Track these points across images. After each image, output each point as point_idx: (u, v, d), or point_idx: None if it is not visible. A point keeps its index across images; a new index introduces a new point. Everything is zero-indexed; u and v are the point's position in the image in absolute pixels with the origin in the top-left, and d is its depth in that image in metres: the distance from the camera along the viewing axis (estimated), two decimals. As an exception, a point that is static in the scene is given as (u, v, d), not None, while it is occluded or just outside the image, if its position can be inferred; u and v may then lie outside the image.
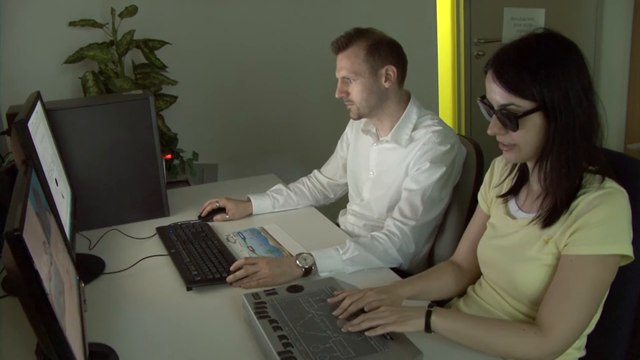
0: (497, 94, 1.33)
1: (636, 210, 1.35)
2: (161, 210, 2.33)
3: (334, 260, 1.83)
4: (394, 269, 1.90)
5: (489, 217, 1.62)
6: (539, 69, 1.28)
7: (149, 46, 3.06)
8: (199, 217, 2.30)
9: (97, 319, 1.58)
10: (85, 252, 2.04)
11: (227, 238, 2.11)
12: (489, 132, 1.39)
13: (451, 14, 4.28)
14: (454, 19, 4.31)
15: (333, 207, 2.47)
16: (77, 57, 2.97)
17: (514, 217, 1.50)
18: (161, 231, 2.16)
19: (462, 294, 1.68)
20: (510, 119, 1.32)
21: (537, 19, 3.01)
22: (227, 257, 1.90)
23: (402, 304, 1.54)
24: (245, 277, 1.76)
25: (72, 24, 2.99)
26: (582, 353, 1.47)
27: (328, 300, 1.50)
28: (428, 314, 1.35)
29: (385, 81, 2.02)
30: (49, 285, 1.03)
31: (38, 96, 1.97)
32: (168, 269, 1.90)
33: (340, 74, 2.05)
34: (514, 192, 1.53)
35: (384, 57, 2.01)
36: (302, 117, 3.68)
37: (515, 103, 1.31)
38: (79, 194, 2.15)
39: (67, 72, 3.06)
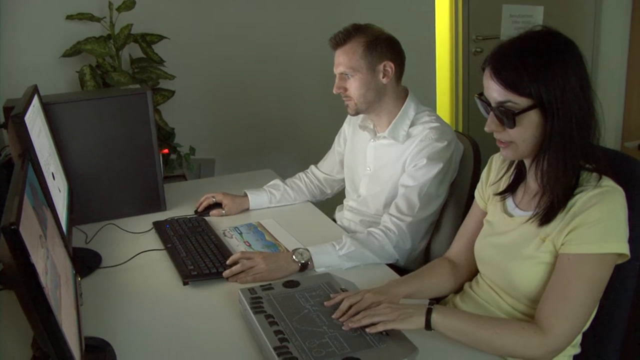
0: (494, 91, 1.33)
1: (633, 208, 1.35)
2: (158, 204, 2.33)
3: (330, 256, 1.83)
4: (390, 265, 1.91)
5: (485, 213, 1.62)
6: (537, 67, 1.28)
7: (147, 40, 3.05)
8: (196, 211, 2.30)
9: (93, 313, 1.58)
10: (81, 246, 2.04)
11: (223, 233, 2.11)
12: (486, 129, 1.39)
13: (449, 10, 4.28)
14: (452, 15, 4.31)
15: (330, 203, 2.47)
16: (74, 51, 2.96)
17: (511, 215, 1.50)
18: (158, 226, 2.16)
19: (458, 290, 1.68)
20: (508, 116, 1.32)
21: (535, 16, 3.01)
22: (223, 252, 1.90)
23: (399, 302, 1.54)
24: (242, 271, 1.76)
25: (70, 17, 2.98)
26: (578, 350, 1.47)
27: (325, 303, 1.49)
28: (429, 312, 1.36)
29: (383, 77, 2.02)
30: (45, 279, 1.03)
31: (35, 90, 1.96)
32: (164, 263, 1.90)
33: (338, 69, 2.05)
34: (511, 189, 1.53)
35: (381, 53, 2.01)
36: (300, 112, 3.67)
37: (512, 100, 1.31)
38: (75, 188, 2.15)
39: (64, 66, 3.05)
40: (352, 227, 2.23)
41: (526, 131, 1.33)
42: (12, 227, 0.94)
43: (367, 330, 1.35)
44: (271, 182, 2.41)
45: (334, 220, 2.32)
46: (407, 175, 2.01)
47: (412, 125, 2.06)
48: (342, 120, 2.38)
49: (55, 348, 1.02)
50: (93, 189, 2.22)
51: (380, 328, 1.34)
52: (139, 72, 3.04)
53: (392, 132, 2.07)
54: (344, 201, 2.35)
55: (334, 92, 2.08)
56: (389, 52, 2.02)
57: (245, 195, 2.33)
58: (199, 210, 2.30)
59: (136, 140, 2.24)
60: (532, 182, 1.46)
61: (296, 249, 1.83)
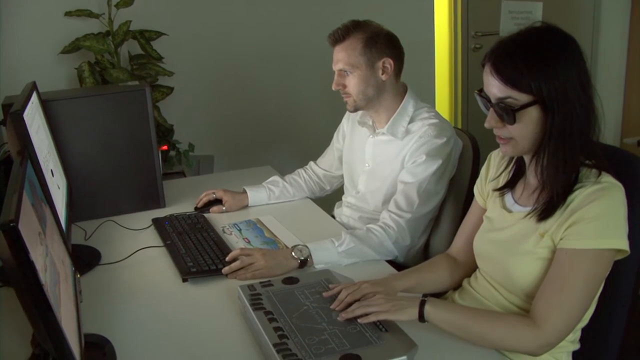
0: (494, 87, 1.33)
1: (632, 204, 1.35)
2: (157, 201, 2.33)
3: (330, 253, 1.83)
4: (390, 262, 1.91)
5: (485, 210, 1.62)
6: (537, 63, 1.28)
7: (146, 37, 3.04)
8: (195, 208, 2.30)
9: (92, 310, 1.58)
10: (81, 243, 2.04)
11: (222, 230, 2.11)
12: (486, 125, 1.39)
13: (449, 6, 4.28)
14: (452, 11, 4.31)
15: (329, 199, 2.47)
16: (73, 48, 2.96)
17: (510, 211, 1.50)
18: (157, 222, 2.16)
19: (458, 287, 1.68)
20: (508, 113, 1.32)
21: (534, 12, 3.01)
22: (222, 249, 1.90)
23: (396, 296, 1.54)
24: (241, 268, 1.76)
25: (68, 14, 2.98)
26: (577, 346, 1.47)
27: (323, 294, 1.50)
28: (422, 304, 1.36)
29: (382, 74, 2.02)
30: (44, 276, 1.03)
31: (34, 86, 1.96)
32: (164, 260, 1.90)
33: (337, 66, 2.05)
34: (510, 185, 1.53)
35: (381, 50, 2.01)
36: (299, 109, 3.67)
37: (512, 96, 1.31)
38: (74, 184, 2.15)
39: (63, 63, 3.05)
40: (351, 223, 2.23)
41: (526, 127, 1.33)
42: (11, 225, 0.93)
43: (359, 320, 1.36)
44: (270, 179, 2.41)
45: (333, 217, 2.32)
46: (406, 172, 2.01)
47: (411, 121, 2.06)
48: (340, 116, 2.38)
49: (55, 345, 1.02)
50: (92, 185, 2.22)
51: (372, 318, 1.35)
52: (138, 68, 3.04)
53: (391, 128, 2.07)
54: (343, 197, 2.35)
55: (333, 88, 2.08)
56: (388, 48, 2.02)
57: (245, 191, 2.33)
58: (198, 206, 2.30)
59: (135, 137, 2.23)
60: (531, 178, 1.45)
61: (295, 246, 1.83)
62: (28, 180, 1.24)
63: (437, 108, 3.12)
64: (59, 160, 2.04)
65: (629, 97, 4.41)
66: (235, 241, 2.02)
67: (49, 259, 1.15)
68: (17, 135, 1.59)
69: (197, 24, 3.31)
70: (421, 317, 1.36)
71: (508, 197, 1.53)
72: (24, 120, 1.60)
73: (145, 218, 2.21)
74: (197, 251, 1.88)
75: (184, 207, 2.32)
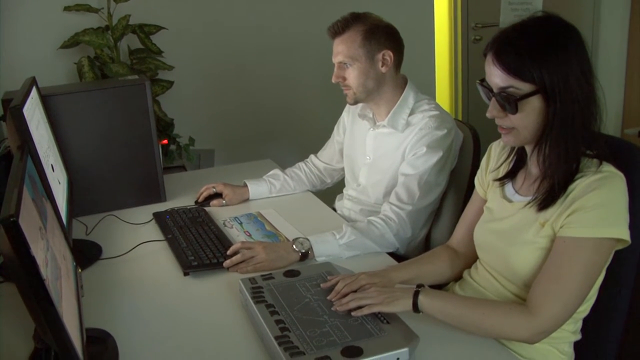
0: (496, 77, 1.33)
1: (633, 194, 1.35)
2: (158, 195, 2.33)
3: (331, 245, 1.83)
4: (391, 254, 1.91)
5: (485, 201, 1.62)
6: (539, 52, 1.28)
7: (145, 31, 3.04)
8: (196, 202, 2.30)
9: (94, 305, 1.58)
10: (82, 237, 2.04)
11: (223, 223, 2.11)
12: (488, 115, 1.39)
13: (448, -2, 4.27)
14: (452, 3, 4.30)
15: (330, 192, 2.47)
16: (72, 42, 2.95)
17: (510, 201, 1.50)
18: (158, 216, 2.16)
19: (458, 278, 1.68)
20: (510, 102, 1.32)
21: (534, 3, 3.01)
22: (223, 242, 1.90)
23: (394, 287, 1.54)
24: (242, 261, 1.77)
25: (67, 8, 2.97)
26: (578, 337, 1.48)
27: (322, 285, 1.51)
28: (415, 294, 1.36)
29: (382, 66, 2.02)
30: (45, 271, 1.03)
31: (33, 81, 1.96)
32: (165, 254, 1.90)
33: (336, 59, 2.04)
34: (510, 176, 1.53)
35: (380, 42, 2.00)
36: (299, 102, 3.67)
37: (514, 86, 1.30)
38: (75, 179, 2.15)
39: (62, 58, 3.04)
40: (352, 216, 2.23)
41: (528, 117, 1.33)
42: (12, 219, 0.94)
43: (354, 313, 1.36)
44: (271, 172, 2.41)
45: (334, 210, 2.32)
46: (406, 164, 2.00)
47: (411, 113, 2.06)
48: (341, 109, 2.38)
49: (57, 339, 1.03)
50: (93, 180, 2.22)
51: (366, 311, 1.35)
52: (138, 63, 3.03)
53: (392, 120, 2.06)
54: (344, 190, 2.35)
55: (333, 81, 2.07)
56: (387, 40, 2.01)
57: (245, 185, 2.33)
58: (199, 200, 2.30)
59: (135, 132, 2.23)
60: (533, 168, 1.45)
61: (296, 239, 1.83)
62: (28, 175, 1.24)
63: (437, 100, 3.11)
64: (59, 155, 2.04)
65: (630, 88, 4.40)
66: (236, 234, 2.02)
67: (50, 254, 1.16)
68: (16, 130, 1.58)
69: (197, 17, 3.31)
70: (415, 308, 1.36)
71: (509, 187, 1.53)
72: (23, 115, 1.60)
73: (146, 212, 2.22)
74: (198, 245, 1.89)
75: (185, 201, 2.33)
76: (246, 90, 3.52)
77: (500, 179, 1.54)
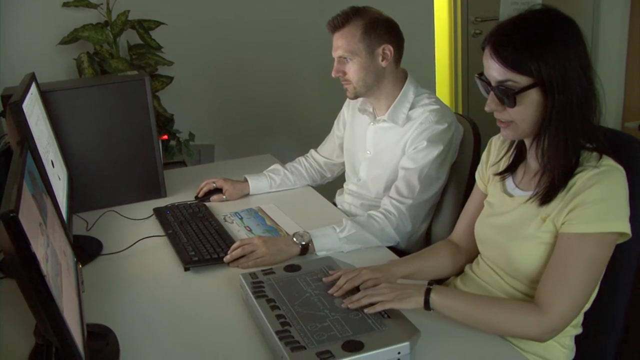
0: (494, 70, 1.32)
1: (633, 188, 1.35)
2: (158, 191, 2.33)
3: (331, 239, 1.83)
4: (391, 248, 1.91)
5: (486, 195, 1.62)
6: (537, 45, 1.27)
7: (144, 27, 3.03)
8: (196, 197, 2.30)
9: (95, 300, 1.58)
10: (82, 233, 2.04)
11: (224, 218, 2.11)
12: (487, 109, 1.39)
13: (448, -8, 4.26)
14: (451, -3, 4.29)
15: (330, 187, 2.47)
16: (71, 38, 2.95)
17: (511, 195, 1.49)
18: (158, 212, 2.16)
19: (459, 272, 1.68)
20: (508, 96, 1.32)
21: (534, -3, 3.00)
22: (224, 238, 1.90)
23: (396, 282, 1.54)
24: (243, 256, 1.76)
25: (66, 4, 2.96)
26: (579, 330, 1.48)
27: (323, 279, 1.51)
28: (427, 292, 1.36)
29: (382, 60, 2.01)
30: (46, 267, 1.03)
31: (33, 77, 1.96)
32: (165, 249, 1.90)
33: (336, 53, 2.04)
34: (511, 170, 1.53)
35: (380, 36, 2.00)
36: (299, 96, 3.66)
37: (512, 79, 1.30)
38: (75, 175, 2.15)
39: (61, 54, 3.04)
40: (353, 210, 2.23)
41: (526, 110, 1.33)
42: (12, 215, 0.93)
43: (366, 310, 1.35)
44: (271, 167, 2.40)
45: (335, 204, 2.32)
46: (407, 158, 2.00)
47: (411, 108, 2.06)
48: (341, 104, 2.37)
49: (58, 335, 1.03)
50: (93, 176, 2.22)
51: (378, 308, 1.35)
52: (137, 58, 3.03)
53: (392, 115, 2.06)
54: (344, 185, 2.35)
55: (333, 75, 2.07)
56: (387, 34, 2.01)
57: (246, 180, 2.33)
58: (199, 196, 2.30)
59: (135, 127, 2.23)
60: (532, 162, 1.45)
61: (296, 232, 1.83)
62: (28, 170, 1.24)
63: (437, 94, 3.10)
64: (59, 151, 2.04)
65: (630, 82, 4.40)
66: (237, 230, 2.02)
67: (50, 250, 1.16)
68: (16, 126, 1.58)
69: (196, 13, 3.30)
70: (427, 305, 1.35)
71: (509, 182, 1.53)
72: (23, 111, 1.59)
73: (146, 208, 2.21)
74: (199, 240, 1.89)
75: (185, 196, 2.32)
76: (246, 85, 3.52)
77: (500, 173, 1.54)
